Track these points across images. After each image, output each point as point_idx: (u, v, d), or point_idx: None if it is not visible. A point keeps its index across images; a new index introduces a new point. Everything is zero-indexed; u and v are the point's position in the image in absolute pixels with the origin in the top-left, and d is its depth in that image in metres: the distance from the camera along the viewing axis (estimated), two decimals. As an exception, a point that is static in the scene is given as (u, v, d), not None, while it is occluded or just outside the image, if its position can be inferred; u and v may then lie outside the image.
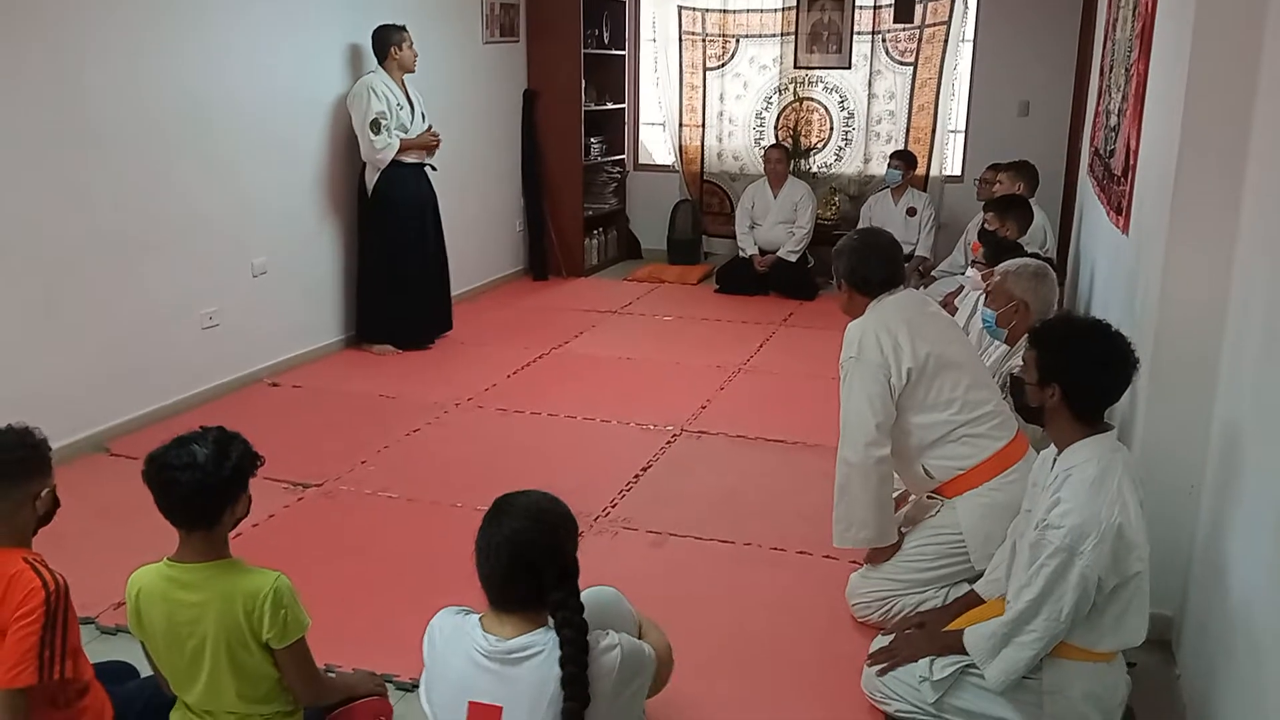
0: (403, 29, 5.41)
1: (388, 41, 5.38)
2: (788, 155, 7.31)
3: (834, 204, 7.75)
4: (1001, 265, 3.43)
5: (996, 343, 3.49)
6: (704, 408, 4.78)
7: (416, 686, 2.56)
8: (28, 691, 1.92)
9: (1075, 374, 2.18)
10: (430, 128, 5.60)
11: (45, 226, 3.93)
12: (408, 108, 5.47)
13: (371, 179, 5.46)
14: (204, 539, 2.00)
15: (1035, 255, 3.95)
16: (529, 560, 1.82)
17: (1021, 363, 2.36)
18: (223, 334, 4.82)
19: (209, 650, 1.99)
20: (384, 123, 5.30)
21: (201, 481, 1.92)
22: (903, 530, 2.96)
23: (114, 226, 4.22)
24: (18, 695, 1.91)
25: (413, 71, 5.48)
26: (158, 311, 4.46)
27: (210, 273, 4.74)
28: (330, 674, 2.37)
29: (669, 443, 4.35)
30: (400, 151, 5.41)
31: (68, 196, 4.02)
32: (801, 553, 3.37)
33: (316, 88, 5.32)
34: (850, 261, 2.91)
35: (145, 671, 2.39)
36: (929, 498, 2.97)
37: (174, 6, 4.40)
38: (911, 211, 7.00)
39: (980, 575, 2.72)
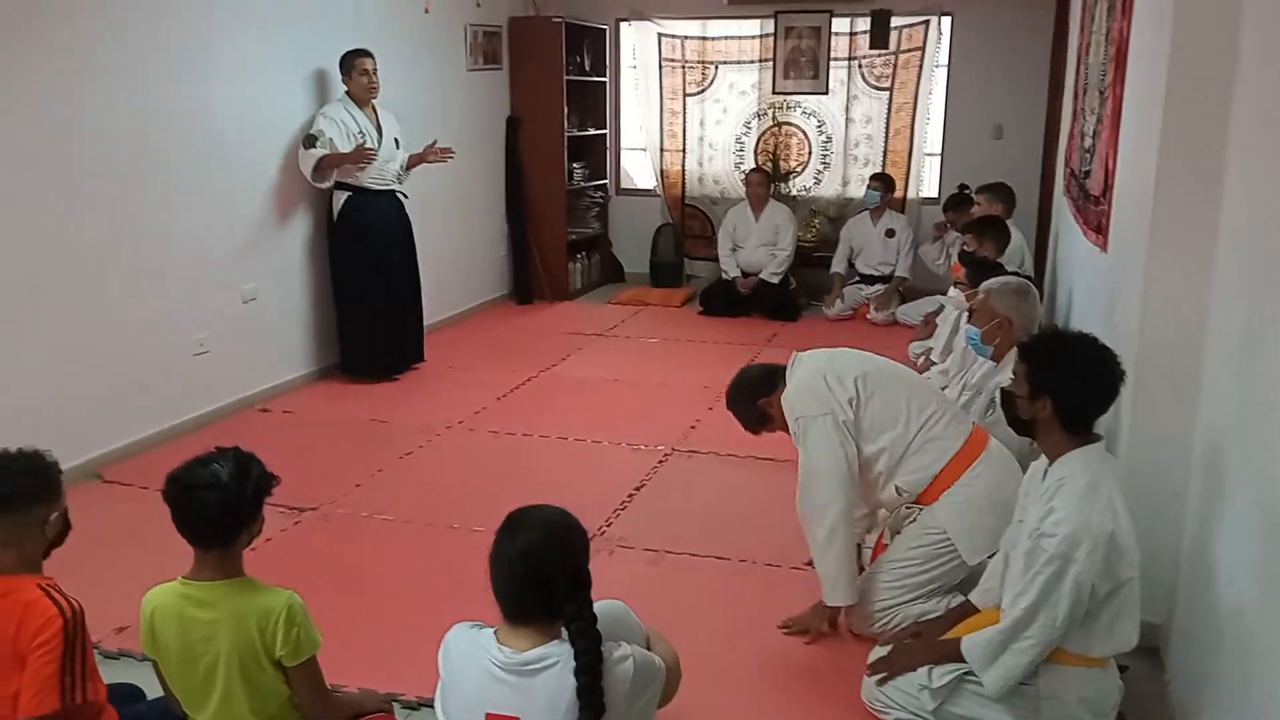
0: (357, 56, 5.27)
1: (341, 69, 5.31)
2: (768, 179, 7.43)
3: (814, 226, 7.86)
4: (985, 283, 3.51)
5: (982, 359, 3.57)
6: (693, 427, 4.83)
7: (422, 705, 2.60)
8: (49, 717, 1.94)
9: (1065, 386, 2.25)
10: (434, 143, 5.50)
11: (41, 254, 3.96)
12: (371, 135, 5.34)
13: (337, 205, 5.39)
14: (220, 557, 2.03)
15: (1015, 274, 4.05)
16: (542, 573, 1.86)
17: (1012, 376, 2.43)
18: (213, 360, 4.84)
19: (222, 667, 2.02)
20: (319, 140, 5.16)
21: (224, 501, 1.96)
22: (885, 542, 3.07)
23: (107, 253, 4.24)
24: None
25: (365, 101, 5.34)
26: (150, 338, 4.48)
27: (201, 299, 4.76)
28: (337, 693, 2.39)
29: (660, 462, 4.40)
30: (337, 164, 5.21)
31: (65, 225, 4.04)
32: (796, 568, 3.42)
33: (299, 114, 5.34)
34: (739, 396, 3.15)
35: (152, 693, 2.42)
36: (906, 509, 3.05)
37: (163, 39, 4.44)
38: (890, 233, 7.12)
39: (973, 573, 2.82)
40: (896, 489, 2.93)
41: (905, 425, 2.87)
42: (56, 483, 2.10)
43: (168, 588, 2.07)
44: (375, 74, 5.33)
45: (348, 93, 5.36)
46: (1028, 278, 4.26)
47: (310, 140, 5.19)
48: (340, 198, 5.39)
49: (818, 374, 2.92)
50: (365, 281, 5.46)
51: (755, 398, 3.08)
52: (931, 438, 2.88)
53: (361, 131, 5.32)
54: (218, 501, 1.96)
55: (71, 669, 1.96)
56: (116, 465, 4.27)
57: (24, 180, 3.88)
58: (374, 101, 5.41)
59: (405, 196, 5.65)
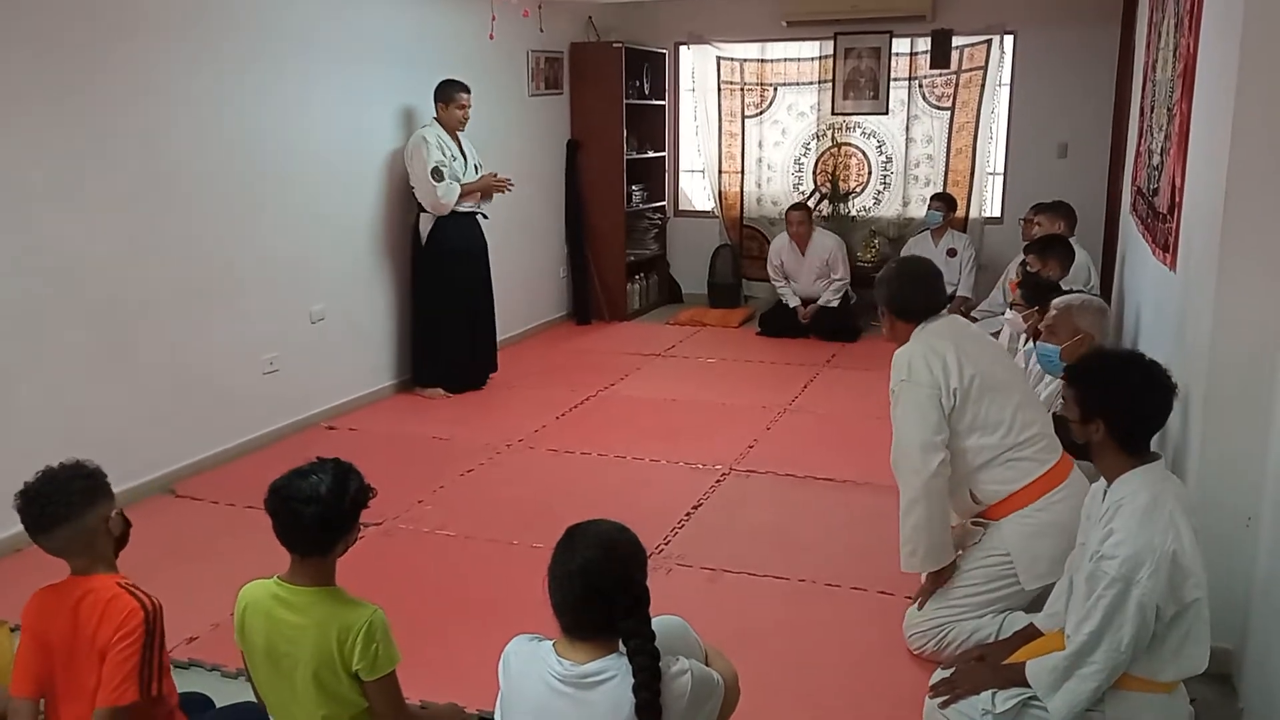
0: (457, 89, 5.53)
1: (439, 97, 5.55)
2: (809, 214, 7.35)
3: (873, 246, 7.81)
4: (1063, 300, 3.48)
5: (1050, 377, 3.53)
6: (751, 447, 4.83)
7: (483, 718, 2.62)
8: (126, 710, 2.00)
9: (1117, 406, 2.22)
10: (495, 175, 5.74)
11: (117, 273, 4.10)
12: (460, 160, 5.61)
13: (426, 227, 5.59)
14: (315, 565, 2.09)
15: (1079, 294, 4.01)
16: (601, 589, 1.87)
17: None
18: (282, 379, 4.96)
19: (301, 672, 2.06)
20: (445, 170, 5.45)
21: (322, 514, 2.01)
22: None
23: (181, 274, 4.38)
24: (120, 714, 1.99)
25: (458, 130, 5.61)
26: (221, 357, 4.61)
27: (271, 319, 4.90)
28: (423, 708, 2.43)
29: (718, 481, 4.40)
30: (471, 192, 5.59)
31: (139, 245, 4.19)
32: (856, 588, 3.40)
33: (369, 142, 5.50)
34: (891, 289, 2.99)
35: (221, 702, 2.48)
36: (973, 523, 3.02)
37: (239, 70, 4.60)
38: (952, 252, 7.06)
39: (1031, 596, 2.78)
40: (971, 493, 2.90)
41: (1003, 436, 2.83)
42: (105, 484, 2.18)
43: (262, 585, 2.12)
44: (468, 108, 5.59)
45: (436, 119, 5.56)
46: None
47: (438, 174, 5.43)
48: (428, 221, 5.58)
49: (936, 354, 2.83)
50: (451, 299, 5.67)
51: (889, 303, 2.98)
52: (1022, 456, 2.83)
53: (454, 156, 5.55)
54: (315, 514, 2.01)
55: (150, 661, 2.04)
56: (188, 481, 4.39)
57: (110, 204, 4.04)
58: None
59: (485, 217, 5.82)
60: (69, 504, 2.07)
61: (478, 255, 5.87)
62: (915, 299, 2.96)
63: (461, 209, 5.62)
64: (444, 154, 5.49)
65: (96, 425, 3.94)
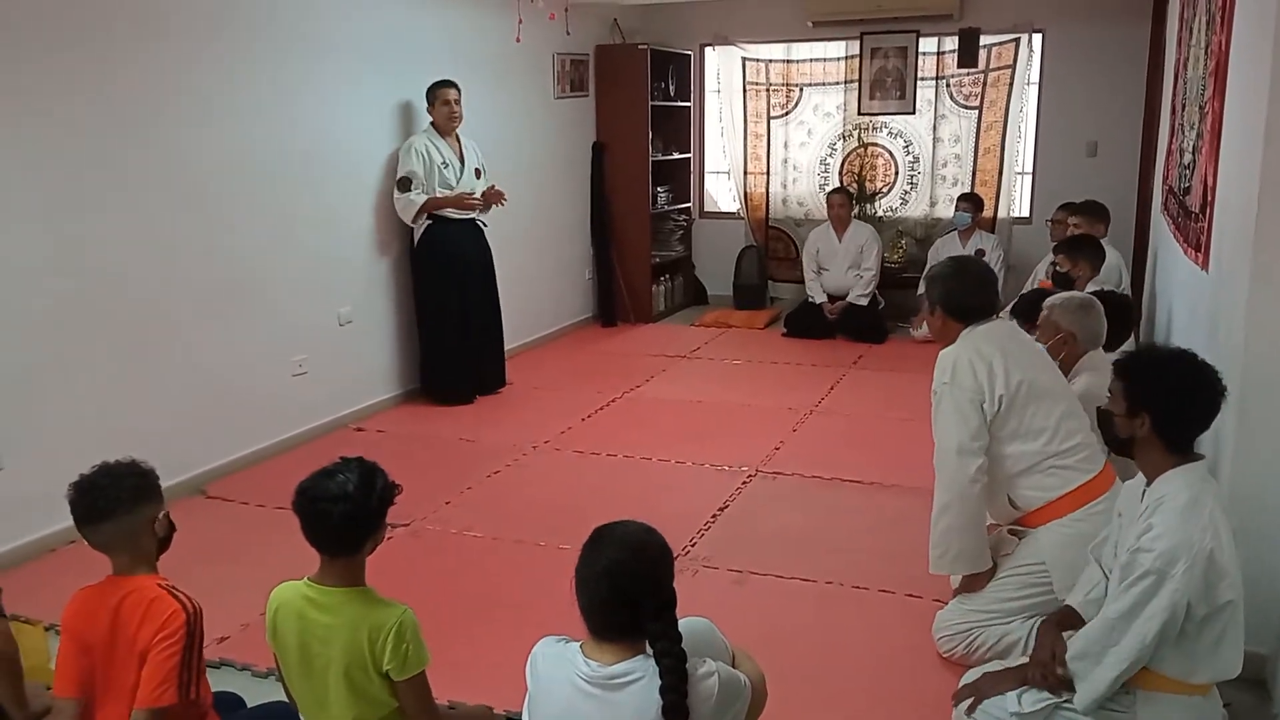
0: (440, 86, 5.40)
1: (426, 99, 5.45)
2: (850, 199, 7.36)
3: (900, 247, 7.78)
4: (1048, 299, 3.49)
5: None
6: (778, 449, 4.81)
7: (510, 719, 2.63)
8: (165, 712, 2.02)
9: (1165, 402, 2.19)
10: (493, 186, 5.60)
11: (149, 277, 4.15)
12: (454, 165, 5.48)
13: (417, 232, 5.50)
14: (345, 565, 2.09)
15: (1111, 293, 3.98)
16: (627, 591, 1.87)
17: (1109, 394, 2.37)
18: (311, 381, 5.00)
19: (333, 672, 2.07)
20: (414, 180, 5.32)
21: (350, 513, 2.02)
22: None
23: (211, 276, 4.43)
24: (158, 715, 2.01)
25: (448, 131, 5.47)
26: (251, 359, 4.65)
27: (300, 322, 4.94)
28: (452, 709, 2.44)
29: (745, 483, 4.39)
30: (438, 207, 5.40)
31: (169, 248, 4.23)
32: (884, 591, 3.38)
33: (394, 146, 5.49)
34: (945, 287, 2.96)
35: (253, 702, 2.50)
36: (1010, 532, 2.99)
37: (267, 74, 4.64)
38: (980, 253, 6.99)
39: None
40: (1010, 499, 2.89)
41: (1045, 443, 2.81)
42: (157, 485, 2.20)
43: (293, 587, 2.13)
44: (457, 104, 5.44)
45: (432, 123, 5.50)
46: (1124, 296, 4.17)
47: (404, 184, 5.33)
48: (421, 225, 5.51)
49: (983, 359, 2.81)
50: (445, 307, 5.56)
51: (943, 300, 2.94)
52: (1064, 465, 2.81)
53: (445, 162, 5.45)
54: (343, 514, 2.01)
55: (190, 664, 2.06)
56: (219, 482, 4.44)
57: (140, 208, 4.09)
58: (457, 131, 5.53)
59: (485, 225, 5.72)
60: (119, 499, 2.09)
61: (475, 263, 5.65)
62: (970, 299, 2.94)
63: (456, 215, 5.48)
64: (427, 160, 5.35)
65: (128, 427, 3.98)
